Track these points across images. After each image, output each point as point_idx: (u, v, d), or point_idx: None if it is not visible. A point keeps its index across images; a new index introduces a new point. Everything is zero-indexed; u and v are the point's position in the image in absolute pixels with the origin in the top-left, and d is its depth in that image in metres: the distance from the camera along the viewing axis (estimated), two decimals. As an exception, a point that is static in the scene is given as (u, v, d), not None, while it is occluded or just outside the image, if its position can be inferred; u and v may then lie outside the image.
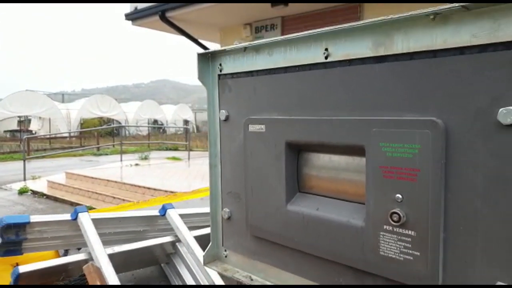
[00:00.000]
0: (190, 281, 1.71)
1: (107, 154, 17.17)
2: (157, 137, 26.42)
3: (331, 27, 0.77)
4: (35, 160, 14.60)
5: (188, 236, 1.72)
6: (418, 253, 0.68)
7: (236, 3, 7.47)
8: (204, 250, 1.10)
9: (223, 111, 1.02)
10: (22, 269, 1.43)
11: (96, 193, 8.22)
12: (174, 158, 13.47)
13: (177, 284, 1.77)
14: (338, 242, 0.79)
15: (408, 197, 0.68)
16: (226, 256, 1.08)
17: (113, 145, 19.32)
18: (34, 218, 1.61)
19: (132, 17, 9.30)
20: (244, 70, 0.97)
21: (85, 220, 1.63)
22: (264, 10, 7.82)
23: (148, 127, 29.38)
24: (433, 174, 0.65)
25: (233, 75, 1.00)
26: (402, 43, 0.68)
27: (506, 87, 0.58)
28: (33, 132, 27.34)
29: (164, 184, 7.91)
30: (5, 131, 28.37)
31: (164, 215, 1.86)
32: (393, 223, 0.70)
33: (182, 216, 1.83)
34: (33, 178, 10.81)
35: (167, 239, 1.78)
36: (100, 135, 23.43)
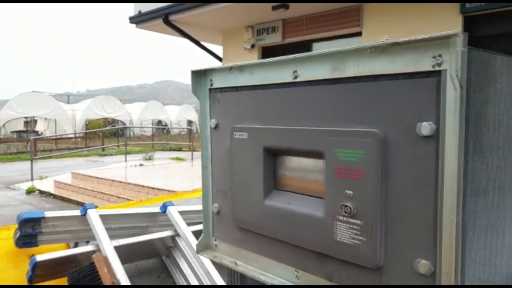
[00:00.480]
0: (188, 272, 1.88)
1: (111, 155, 17.42)
2: (161, 138, 26.66)
3: (299, 55, 0.93)
4: (42, 160, 14.85)
5: (187, 231, 1.89)
6: (364, 239, 0.84)
7: (239, 5, 7.61)
8: (200, 243, 1.27)
9: (213, 120, 1.19)
10: (39, 258, 1.61)
11: (101, 192, 8.43)
12: (178, 159, 13.68)
13: (176, 275, 1.94)
14: (305, 231, 0.96)
15: (356, 193, 0.84)
16: (216, 245, 1.25)
17: (118, 146, 19.56)
18: (48, 214, 1.78)
19: (136, 20, 9.50)
20: (230, 85, 1.14)
21: (94, 215, 1.81)
22: (266, 13, 7.98)
23: (152, 128, 29.62)
24: (375, 174, 0.81)
25: (221, 89, 1.17)
26: (352, 69, 0.85)
27: (424, 106, 0.74)
28: (39, 132, 27.68)
29: (167, 184, 8.10)
30: (12, 132, 28.75)
31: (164, 212, 2.03)
32: (345, 214, 0.86)
33: (181, 213, 2.00)
34: (40, 178, 11.05)
35: (167, 233, 1.96)
36: (105, 135, 23.69)
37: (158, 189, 7.63)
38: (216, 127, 1.19)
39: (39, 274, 1.61)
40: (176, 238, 1.95)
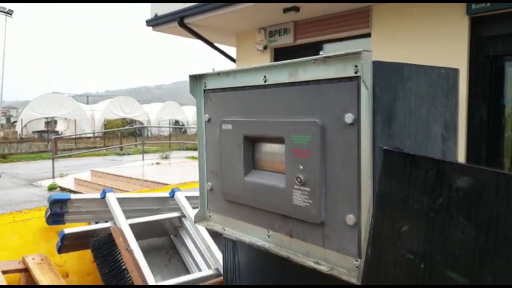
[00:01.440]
0: (192, 248, 2.18)
1: (129, 154, 17.95)
2: (178, 138, 27.16)
3: (266, 64, 1.23)
4: (62, 159, 15.47)
5: (191, 213, 2.19)
6: (312, 201, 1.13)
7: (251, 8, 7.89)
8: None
9: (207, 115, 1.50)
10: (67, 231, 1.94)
11: (119, 189, 8.84)
12: (194, 158, 14.05)
13: (182, 251, 2.25)
14: (273, 199, 1.26)
15: (305, 167, 1.14)
16: (210, 216, 1.56)
17: (136, 145, 20.11)
18: (73, 196, 2.12)
19: (153, 23, 9.87)
20: (219, 87, 1.44)
21: (111, 198, 2.13)
22: (277, 16, 8.24)
23: (170, 127, 30.21)
24: (317, 153, 1.10)
25: (213, 90, 1.48)
26: (303, 75, 1.14)
27: (349, 102, 1.03)
28: (59, 132, 28.56)
29: (183, 180, 8.46)
30: (33, 132, 29.76)
31: (173, 196, 2.35)
32: (298, 183, 1.16)
33: (187, 198, 2.31)
34: (61, 175, 11.59)
35: (175, 214, 2.27)
36: (123, 135, 24.33)
37: (173, 185, 7.99)
38: (209, 120, 1.50)
39: (66, 244, 1.94)
40: (183, 219, 2.27)
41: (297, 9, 7.86)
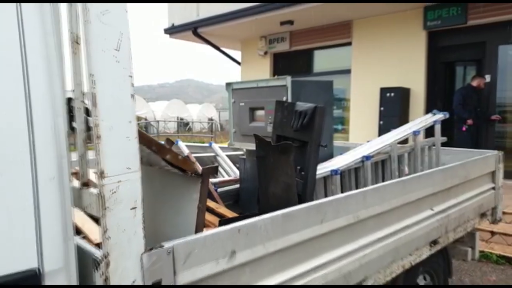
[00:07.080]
0: (221, 171, 4.30)
1: (142, 147, 20.05)
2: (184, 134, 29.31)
3: (257, 79, 3.38)
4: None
5: (222, 153, 4.31)
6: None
7: (254, 20, 9.96)
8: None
9: (233, 99, 3.66)
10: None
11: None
12: (202, 149, 16.16)
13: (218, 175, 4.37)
14: (260, 130, 3.40)
15: (272, 117, 3.29)
16: (234, 143, 3.72)
17: (146, 140, 22.29)
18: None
19: (170, 31, 11.96)
20: (240, 87, 3.60)
21: (181, 144, 4.29)
22: (276, 27, 10.36)
23: (177, 122, 32.34)
24: (274, 116, 3.26)
25: (237, 89, 3.63)
26: (271, 83, 3.29)
27: (284, 93, 3.18)
28: (70, 129, 30.58)
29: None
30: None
31: (210, 146, 4.50)
32: (269, 123, 3.31)
33: (220, 148, 4.45)
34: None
35: (211, 154, 4.39)
36: (133, 131, 26.46)
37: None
38: (234, 102, 3.65)
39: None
40: (216, 157, 4.37)
41: (291, 23, 9.98)
